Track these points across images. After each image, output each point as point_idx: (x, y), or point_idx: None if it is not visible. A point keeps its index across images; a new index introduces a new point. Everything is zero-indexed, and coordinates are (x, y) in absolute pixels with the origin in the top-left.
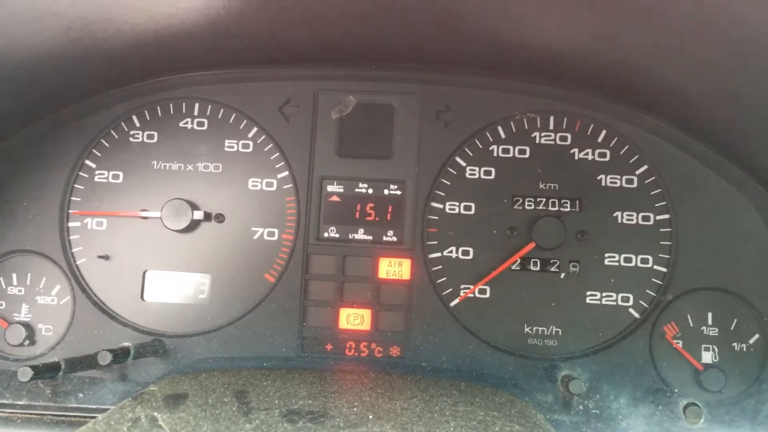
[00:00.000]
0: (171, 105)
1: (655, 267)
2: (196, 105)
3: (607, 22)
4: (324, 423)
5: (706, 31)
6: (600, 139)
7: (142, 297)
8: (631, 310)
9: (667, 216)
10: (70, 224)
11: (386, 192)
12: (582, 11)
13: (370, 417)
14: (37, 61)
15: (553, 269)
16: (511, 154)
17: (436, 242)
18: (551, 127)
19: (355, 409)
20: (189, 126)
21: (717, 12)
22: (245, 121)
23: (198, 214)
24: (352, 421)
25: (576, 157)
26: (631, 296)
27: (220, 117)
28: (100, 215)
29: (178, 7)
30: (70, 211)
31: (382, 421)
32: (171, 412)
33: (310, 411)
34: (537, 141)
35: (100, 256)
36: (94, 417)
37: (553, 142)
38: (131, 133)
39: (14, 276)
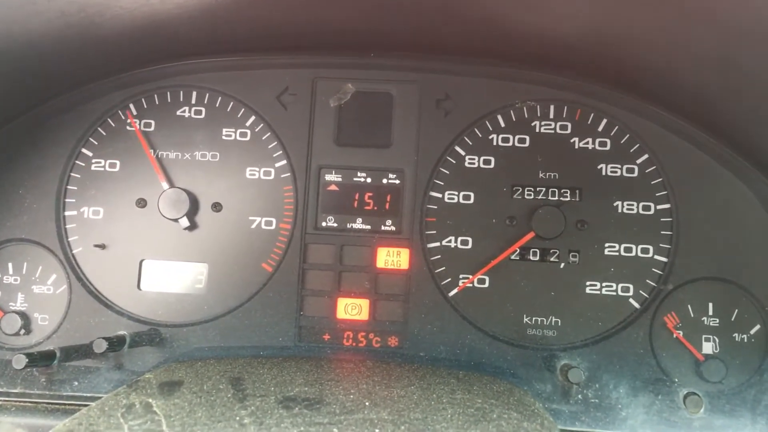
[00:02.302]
0: (168, 93)
1: (656, 257)
2: (194, 93)
3: (610, 11)
4: (320, 410)
5: (710, 19)
6: (600, 128)
7: (138, 286)
8: (631, 300)
9: (667, 205)
10: (67, 213)
11: (385, 181)
12: None
13: (367, 404)
14: (33, 48)
15: (552, 259)
16: (510, 143)
17: (434, 232)
18: (551, 116)
19: (352, 396)
20: (186, 114)
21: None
22: (243, 109)
23: (184, 222)
24: (349, 407)
25: (576, 146)
26: (631, 286)
27: (217, 105)
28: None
29: None
30: (66, 199)
31: (379, 408)
32: (166, 398)
33: (306, 398)
34: (537, 130)
35: (96, 245)
36: (88, 405)
37: (553, 131)
38: (128, 121)
39: (10, 265)
